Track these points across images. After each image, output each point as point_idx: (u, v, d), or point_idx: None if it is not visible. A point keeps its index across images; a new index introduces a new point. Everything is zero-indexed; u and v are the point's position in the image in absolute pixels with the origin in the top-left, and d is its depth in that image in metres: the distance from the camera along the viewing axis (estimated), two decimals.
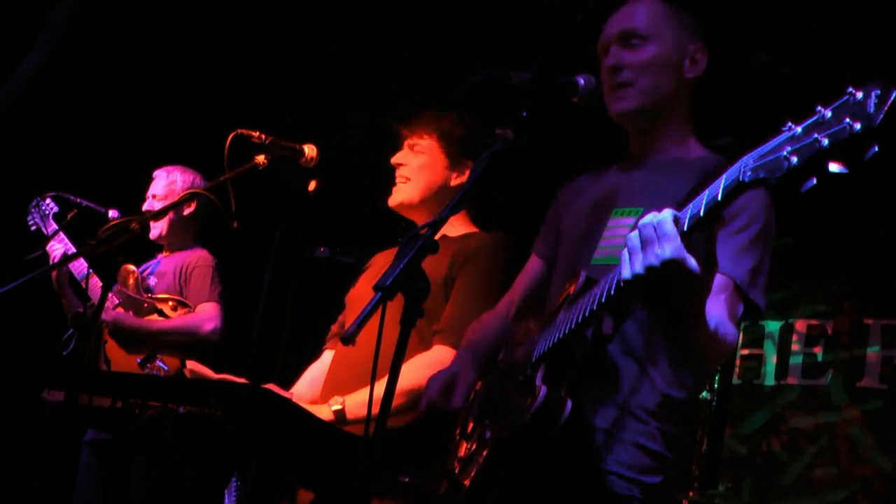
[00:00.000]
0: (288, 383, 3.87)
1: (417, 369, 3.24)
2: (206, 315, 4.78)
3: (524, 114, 2.61)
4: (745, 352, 5.74)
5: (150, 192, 5.02)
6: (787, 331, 5.66)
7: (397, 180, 3.72)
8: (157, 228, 4.98)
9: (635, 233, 2.11)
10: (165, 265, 4.99)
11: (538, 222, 3.09)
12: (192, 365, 3.23)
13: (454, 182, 3.68)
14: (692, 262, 2.08)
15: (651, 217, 2.09)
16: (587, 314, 2.35)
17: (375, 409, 2.32)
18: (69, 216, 4.87)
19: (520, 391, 2.49)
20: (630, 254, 2.12)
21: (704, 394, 4.98)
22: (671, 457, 2.58)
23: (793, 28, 4.76)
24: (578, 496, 2.52)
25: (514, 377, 2.60)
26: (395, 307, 2.28)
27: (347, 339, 2.29)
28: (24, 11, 5.49)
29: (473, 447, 2.69)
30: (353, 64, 5.96)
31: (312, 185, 4.16)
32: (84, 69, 5.82)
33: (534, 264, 3.03)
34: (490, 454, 2.56)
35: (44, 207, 5.02)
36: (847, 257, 5.51)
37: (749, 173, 1.88)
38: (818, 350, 5.54)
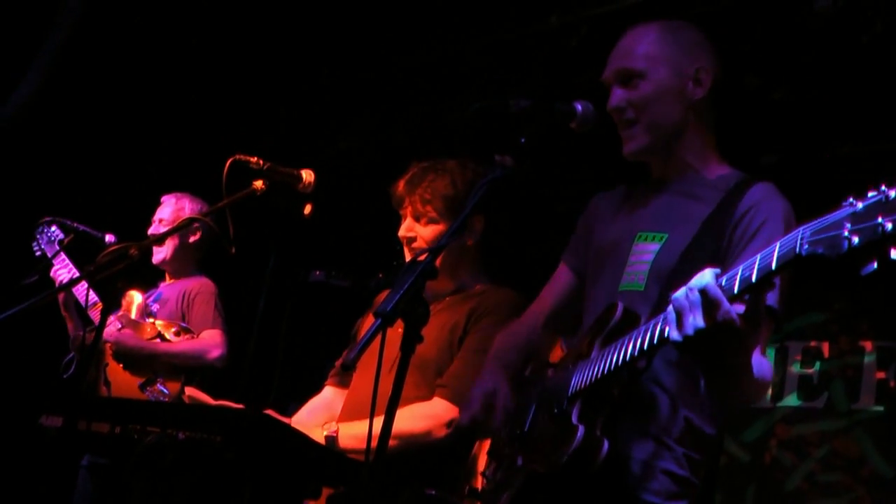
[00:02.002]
0: (283, 407, 3.87)
1: (412, 418, 3.29)
2: (212, 342, 4.82)
3: (523, 140, 2.64)
4: None
5: (156, 216, 5.05)
6: (782, 353, 5.68)
7: (411, 255, 3.62)
8: (161, 253, 5.01)
9: (682, 292, 2.13)
10: (168, 292, 5.02)
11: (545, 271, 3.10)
12: (190, 391, 3.25)
13: (471, 243, 3.64)
14: (739, 323, 2.10)
15: (698, 281, 2.10)
16: (627, 359, 2.38)
17: (371, 440, 2.35)
18: (66, 241, 4.89)
19: (555, 426, 2.53)
20: (679, 315, 2.13)
21: None
22: (696, 482, 2.61)
23: (785, 54, 4.79)
24: None
25: (548, 408, 2.62)
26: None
27: (347, 365, 2.31)
28: (21, 37, 5.52)
29: (504, 473, 2.73)
30: (348, 90, 5.99)
31: (307, 210, 4.18)
32: (81, 94, 5.83)
33: (563, 275, 3.02)
34: (524, 485, 2.59)
35: (50, 233, 5.05)
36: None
37: (807, 247, 1.85)
38: (812, 371, 5.55)
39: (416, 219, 3.61)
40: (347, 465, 2.94)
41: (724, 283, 2.10)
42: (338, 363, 3.83)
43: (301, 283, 4.87)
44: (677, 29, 2.81)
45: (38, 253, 5.00)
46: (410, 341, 2.36)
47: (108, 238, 4.71)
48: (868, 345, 5.39)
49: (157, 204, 5.13)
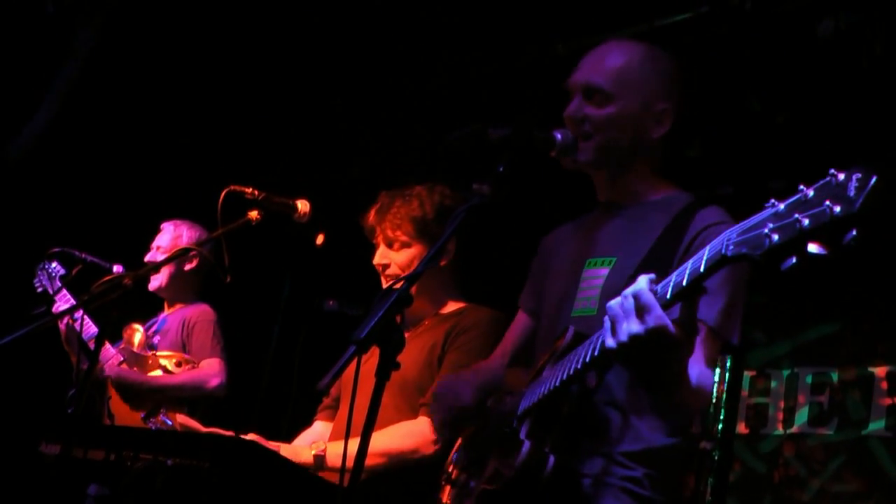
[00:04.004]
0: (296, 435, 3.89)
1: (400, 436, 3.35)
2: (211, 371, 4.83)
3: (501, 168, 2.66)
4: (752, 401, 5.73)
5: (155, 243, 5.08)
6: (793, 380, 5.65)
7: (387, 282, 3.69)
8: (157, 280, 5.03)
9: (617, 301, 2.16)
10: (169, 322, 5.04)
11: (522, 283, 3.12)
12: (182, 419, 3.29)
13: (443, 264, 3.70)
14: (673, 329, 2.13)
15: (631, 288, 2.14)
16: (571, 373, 2.40)
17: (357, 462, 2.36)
18: (74, 271, 4.92)
19: (505, 444, 2.54)
20: (613, 322, 2.16)
21: (706, 444, 4.97)
22: (661, 500, 2.60)
23: (787, 79, 4.81)
24: None
25: (500, 429, 2.64)
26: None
27: (322, 391, 2.34)
28: (32, 69, 5.61)
29: (458, 495, 2.73)
30: (360, 118, 6.04)
31: (320, 240, 4.22)
32: (91, 125, 5.92)
33: (521, 319, 3.07)
34: None
35: (50, 270, 5.09)
36: (852, 303, 5.50)
37: (732, 248, 1.92)
38: (823, 399, 5.52)
39: (389, 245, 3.67)
40: (333, 491, 2.95)
41: (658, 290, 2.13)
42: (326, 400, 3.86)
43: (315, 311, 4.90)
44: (658, 59, 2.82)
45: (39, 289, 5.04)
46: (385, 367, 2.39)
47: (117, 269, 4.75)
48: (881, 371, 5.38)
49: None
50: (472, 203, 2.61)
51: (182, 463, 2.90)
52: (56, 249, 5.00)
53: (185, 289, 5.10)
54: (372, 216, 3.72)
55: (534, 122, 2.86)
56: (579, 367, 2.36)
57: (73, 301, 4.88)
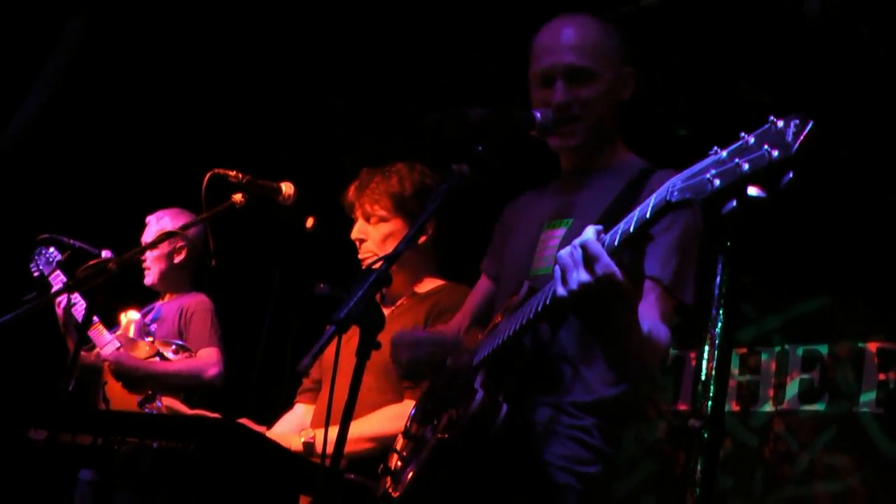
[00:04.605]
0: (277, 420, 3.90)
1: (387, 420, 3.34)
2: (209, 360, 4.83)
3: (480, 149, 2.68)
4: (743, 379, 5.76)
5: (142, 238, 5.10)
6: (783, 357, 5.68)
7: (363, 255, 3.72)
8: (150, 276, 5.06)
9: (566, 250, 2.22)
10: (165, 310, 5.04)
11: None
12: (168, 401, 3.30)
13: (421, 242, 3.70)
14: (621, 276, 2.20)
15: (580, 238, 2.20)
16: (524, 323, 2.45)
17: (346, 448, 2.39)
18: (63, 257, 4.93)
19: (460, 394, 2.59)
20: (563, 271, 2.22)
21: (695, 421, 4.98)
22: (610, 450, 2.67)
23: (774, 59, 4.81)
24: (518, 489, 2.59)
25: (456, 381, 2.70)
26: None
27: (302, 371, 2.36)
28: (22, 57, 5.61)
29: (413, 447, 2.77)
30: (351, 106, 6.04)
31: (310, 223, 4.22)
32: (80, 113, 5.92)
33: (483, 284, 3.12)
34: (430, 455, 2.62)
35: (47, 255, 5.10)
36: (842, 278, 5.51)
37: (676, 193, 2.00)
38: (814, 375, 5.54)
39: (367, 219, 3.69)
40: (321, 473, 2.97)
41: (605, 240, 2.21)
42: (306, 382, 3.87)
43: (306, 296, 4.90)
44: (613, 29, 2.88)
45: (35, 274, 5.05)
46: (366, 347, 2.40)
47: (105, 254, 4.72)
48: (872, 346, 5.39)
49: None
50: (452, 184, 2.63)
51: (168, 446, 2.91)
52: (45, 236, 5.01)
53: (179, 280, 5.10)
54: (352, 191, 3.75)
55: (512, 102, 2.89)
56: (531, 316, 2.41)
57: (62, 277, 4.90)
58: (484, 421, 2.47)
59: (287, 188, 3.68)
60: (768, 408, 5.61)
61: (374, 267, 2.47)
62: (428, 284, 3.72)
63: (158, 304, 5.14)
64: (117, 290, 3.66)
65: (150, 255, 4.97)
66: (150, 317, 5.06)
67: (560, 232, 2.75)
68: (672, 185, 2.02)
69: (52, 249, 5.05)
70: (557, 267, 2.23)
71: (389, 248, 3.64)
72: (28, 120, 5.45)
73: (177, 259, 5.04)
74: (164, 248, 4.95)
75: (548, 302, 2.35)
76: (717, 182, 1.88)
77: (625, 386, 2.69)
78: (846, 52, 4.59)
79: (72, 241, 4.84)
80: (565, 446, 2.62)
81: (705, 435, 4.22)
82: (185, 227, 4.08)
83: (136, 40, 5.77)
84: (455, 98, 5.53)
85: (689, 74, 4.99)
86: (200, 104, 6.11)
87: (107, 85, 5.96)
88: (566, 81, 2.78)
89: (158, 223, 5.05)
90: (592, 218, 2.61)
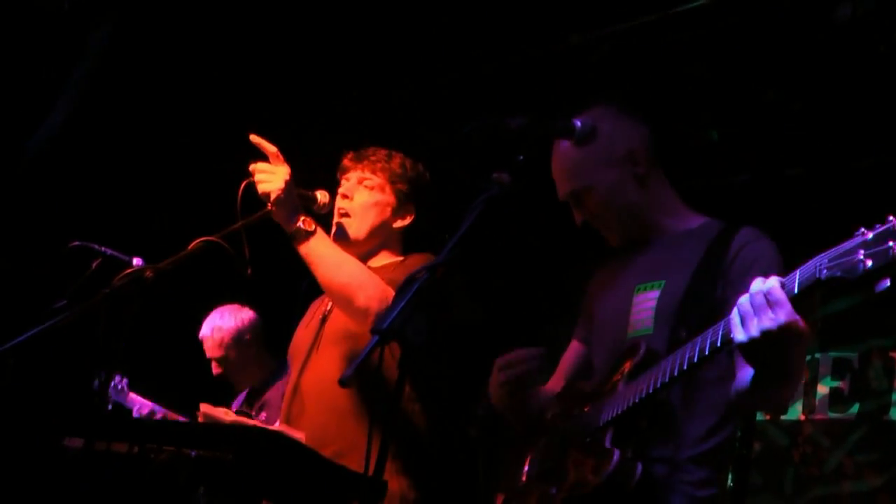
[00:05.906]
0: None
1: (365, 272, 3.42)
2: None
3: (520, 158, 2.69)
4: None
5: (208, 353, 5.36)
6: (813, 365, 5.65)
7: (339, 212, 3.66)
8: (218, 370, 5.33)
9: (745, 298, 2.28)
10: (269, 395, 5.17)
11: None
12: (205, 408, 3.27)
13: (396, 225, 3.71)
14: (802, 323, 2.26)
15: (758, 284, 2.27)
16: (674, 375, 2.50)
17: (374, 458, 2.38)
18: (94, 265, 4.91)
19: (589, 453, 2.67)
20: (743, 319, 2.28)
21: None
22: (722, 498, 2.76)
23: (803, 66, 4.79)
24: None
25: (577, 441, 2.76)
26: None
27: (344, 381, 2.35)
28: (47, 68, 5.63)
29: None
30: (370, 108, 6.04)
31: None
32: (110, 121, 5.94)
33: (574, 346, 3.22)
34: None
35: (114, 384, 5.24)
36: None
37: (825, 272, 2.14)
38: (844, 385, 5.52)
39: (360, 181, 3.67)
40: (358, 480, 2.97)
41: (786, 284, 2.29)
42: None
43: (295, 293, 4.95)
44: (594, 124, 2.92)
45: (110, 406, 5.16)
46: (408, 360, 2.42)
47: (136, 262, 4.72)
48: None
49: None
50: (492, 193, 2.63)
51: (205, 455, 2.91)
52: (76, 244, 5.00)
53: (248, 365, 5.37)
54: (349, 157, 3.76)
55: (550, 111, 2.90)
56: (685, 368, 2.46)
57: (145, 402, 5.05)
58: (620, 479, 2.55)
59: (322, 196, 3.65)
60: (796, 416, 5.59)
61: (416, 276, 2.47)
62: (382, 259, 3.69)
63: (241, 396, 5.32)
64: (151, 299, 3.66)
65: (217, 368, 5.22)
66: (257, 405, 5.20)
67: (654, 293, 2.83)
68: (819, 264, 2.15)
69: (116, 378, 5.17)
70: (736, 314, 2.29)
71: (370, 216, 3.64)
72: (54, 128, 5.46)
73: (250, 352, 5.32)
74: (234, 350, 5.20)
75: (706, 352, 2.40)
76: (869, 263, 2.05)
77: (728, 430, 2.76)
78: (877, 59, 4.57)
79: (103, 249, 4.83)
80: (685, 501, 2.69)
81: (737, 445, 4.21)
82: (220, 235, 4.06)
83: (162, 47, 5.78)
84: (455, 98, 5.56)
85: (718, 83, 4.98)
86: (224, 111, 6.12)
87: (132, 92, 5.97)
88: (574, 205, 2.98)
89: (213, 338, 5.29)
90: (685, 278, 2.76)
